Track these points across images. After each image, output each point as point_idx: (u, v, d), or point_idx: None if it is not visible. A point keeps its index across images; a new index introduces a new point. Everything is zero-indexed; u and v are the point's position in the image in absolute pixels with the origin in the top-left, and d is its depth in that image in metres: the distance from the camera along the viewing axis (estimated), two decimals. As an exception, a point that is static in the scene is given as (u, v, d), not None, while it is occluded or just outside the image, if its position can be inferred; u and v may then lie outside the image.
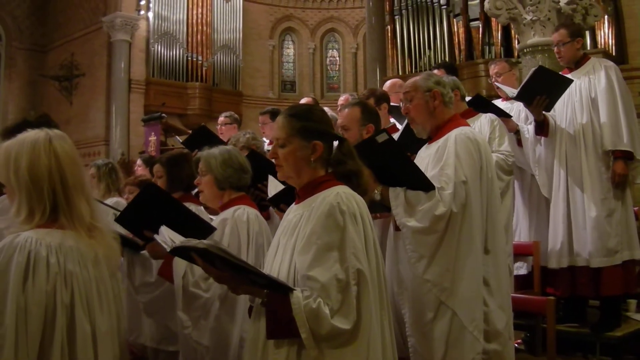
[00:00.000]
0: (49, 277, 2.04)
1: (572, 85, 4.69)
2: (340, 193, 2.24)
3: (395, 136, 4.03)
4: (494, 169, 3.28)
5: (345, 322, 2.10)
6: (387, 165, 3.04)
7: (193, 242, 2.16)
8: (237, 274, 2.18)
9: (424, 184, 3.03)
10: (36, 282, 2.01)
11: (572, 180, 4.68)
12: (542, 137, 4.84)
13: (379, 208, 3.17)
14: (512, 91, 4.90)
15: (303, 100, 6.72)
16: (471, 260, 3.01)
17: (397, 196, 3.06)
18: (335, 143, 2.40)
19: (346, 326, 2.10)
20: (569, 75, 4.78)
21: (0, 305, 1.98)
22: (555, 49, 4.92)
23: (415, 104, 3.31)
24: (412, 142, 3.69)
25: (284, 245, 2.32)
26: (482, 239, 3.07)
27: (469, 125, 3.37)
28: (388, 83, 5.90)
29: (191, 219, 3.32)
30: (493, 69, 5.47)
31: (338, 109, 4.84)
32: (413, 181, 3.06)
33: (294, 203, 2.44)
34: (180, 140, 7.26)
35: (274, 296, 2.16)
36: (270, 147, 5.38)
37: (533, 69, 4.77)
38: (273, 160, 2.41)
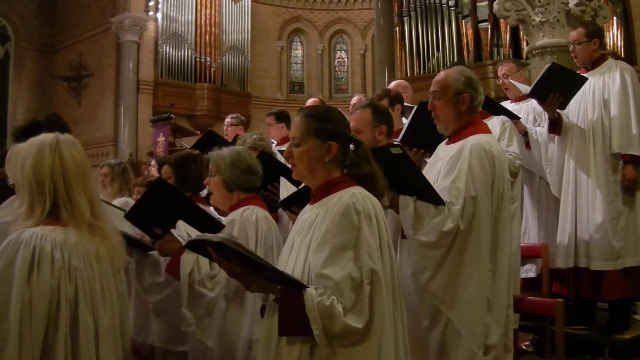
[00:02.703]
0: (54, 271, 2.10)
1: (586, 84, 4.60)
2: (356, 193, 2.26)
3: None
4: (507, 184, 3.18)
5: (358, 320, 2.12)
6: (398, 175, 2.99)
7: (208, 235, 2.21)
8: (250, 268, 2.19)
9: (433, 199, 2.98)
10: (41, 276, 2.08)
11: (580, 180, 4.62)
12: (556, 136, 4.78)
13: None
14: (526, 88, 4.85)
15: (310, 101, 6.71)
16: (476, 276, 2.96)
17: (406, 206, 2.99)
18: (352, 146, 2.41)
19: (358, 325, 2.11)
20: (584, 75, 4.67)
21: (5, 299, 2.04)
22: (571, 47, 4.83)
23: (442, 104, 3.19)
24: (419, 138, 3.66)
25: (299, 245, 2.33)
26: (488, 255, 3.00)
27: (489, 131, 3.26)
28: (393, 84, 5.83)
29: (200, 215, 3.32)
30: (501, 69, 5.41)
31: (350, 109, 4.82)
32: (423, 195, 3.01)
33: (309, 203, 2.45)
34: (188, 147, 7.28)
35: (287, 292, 2.17)
36: (276, 149, 5.43)
37: (547, 65, 4.69)
38: (287, 160, 2.43)
